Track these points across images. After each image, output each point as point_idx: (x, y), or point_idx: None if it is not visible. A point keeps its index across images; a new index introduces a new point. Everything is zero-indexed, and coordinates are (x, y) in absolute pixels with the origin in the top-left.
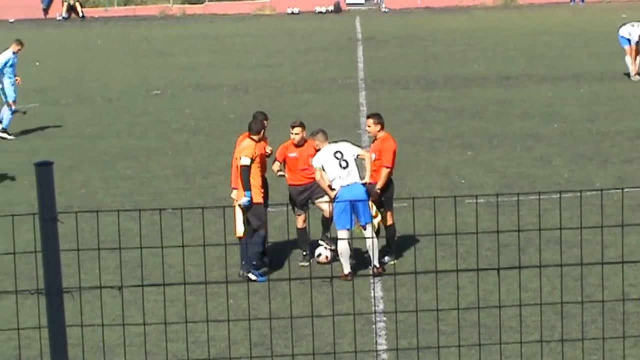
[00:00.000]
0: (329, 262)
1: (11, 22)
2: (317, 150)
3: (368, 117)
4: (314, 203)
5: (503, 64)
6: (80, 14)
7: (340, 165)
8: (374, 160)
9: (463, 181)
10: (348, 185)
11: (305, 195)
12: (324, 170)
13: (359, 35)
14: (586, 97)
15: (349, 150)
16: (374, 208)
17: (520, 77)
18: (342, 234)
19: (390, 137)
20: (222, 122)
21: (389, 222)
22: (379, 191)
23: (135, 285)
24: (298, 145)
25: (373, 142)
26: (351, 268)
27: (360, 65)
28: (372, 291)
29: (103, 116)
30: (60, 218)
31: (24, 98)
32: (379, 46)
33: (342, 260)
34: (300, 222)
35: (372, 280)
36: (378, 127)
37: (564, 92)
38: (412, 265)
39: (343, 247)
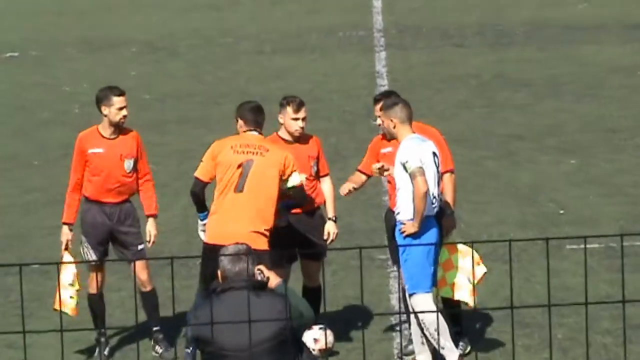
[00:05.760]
0: (328, 350)
1: None
2: (390, 137)
3: (376, 100)
4: (308, 257)
5: (634, 3)
6: None
7: (437, 179)
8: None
9: (562, 211)
10: (435, 216)
11: (299, 234)
12: (424, 174)
13: None
14: None
15: (438, 156)
16: (473, 253)
17: None
18: (427, 299)
19: (429, 126)
20: (131, 108)
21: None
22: (453, 216)
23: None
24: (298, 135)
25: (391, 138)
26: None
27: (377, 4)
28: None
29: None
30: None
31: None
32: None
33: (442, 341)
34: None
35: None
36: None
37: None
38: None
39: (434, 320)
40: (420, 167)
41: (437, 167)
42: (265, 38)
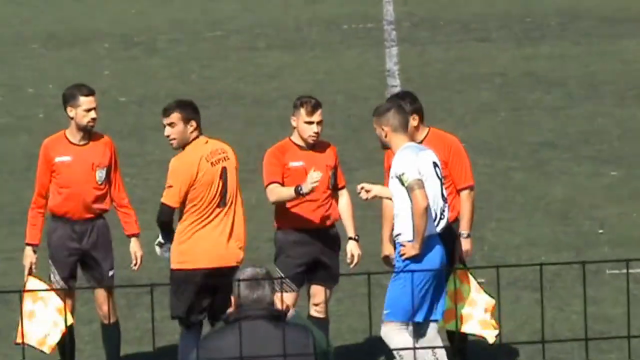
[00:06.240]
0: None
1: None
2: (383, 147)
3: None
4: (319, 282)
5: None
6: None
7: (442, 191)
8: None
9: (601, 231)
10: (439, 235)
11: (310, 254)
12: (423, 187)
13: None
14: None
15: (439, 167)
16: (483, 296)
17: None
18: (401, 332)
19: (449, 133)
20: (105, 112)
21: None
22: (469, 239)
23: None
24: (314, 140)
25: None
26: None
27: None
28: None
29: None
30: None
31: None
32: None
33: None
34: (286, 306)
35: None
36: (415, 120)
37: None
38: None
39: (408, 354)
40: (419, 179)
41: (440, 179)
42: (259, 32)
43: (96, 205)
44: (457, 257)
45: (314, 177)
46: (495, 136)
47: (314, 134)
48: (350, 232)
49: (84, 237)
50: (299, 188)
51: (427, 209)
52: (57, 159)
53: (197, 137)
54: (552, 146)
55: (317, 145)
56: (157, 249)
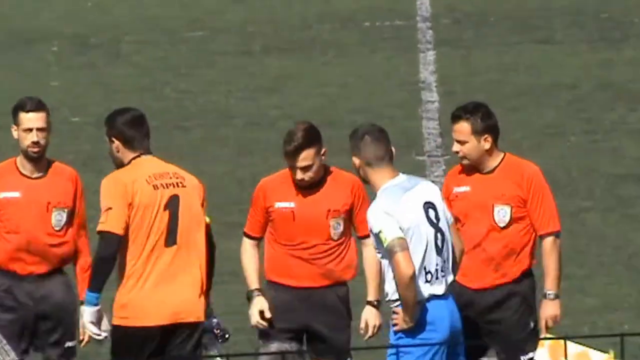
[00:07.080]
0: None
1: None
2: (362, 180)
3: (456, 116)
4: (317, 358)
5: None
6: None
7: (437, 242)
8: (513, 222)
9: None
10: (443, 297)
11: (297, 320)
12: (407, 248)
13: None
14: None
15: (441, 206)
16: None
17: None
18: None
19: (528, 161)
20: (54, 134)
21: None
22: (557, 300)
23: None
24: (304, 185)
25: (471, 173)
26: None
27: None
28: None
29: None
30: None
31: None
32: None
33: None
34: None
35: None
36: (488, 142)
37: None
38: None
39: None
40: (400, 238)
41: (435, 225)
42: (254, 31)
43: (53, 257)
44: (544, 324)
45: (256, 319)
46: (563, 167)
47: (299, 181)
48: (370, 295)
49: (36, 296)
50: (250, 293)
51: (413, 277)
52: (3, 195)
53: (137, 156)
54: (638, 180)
55: (324, 182)
56: (92, 328)
